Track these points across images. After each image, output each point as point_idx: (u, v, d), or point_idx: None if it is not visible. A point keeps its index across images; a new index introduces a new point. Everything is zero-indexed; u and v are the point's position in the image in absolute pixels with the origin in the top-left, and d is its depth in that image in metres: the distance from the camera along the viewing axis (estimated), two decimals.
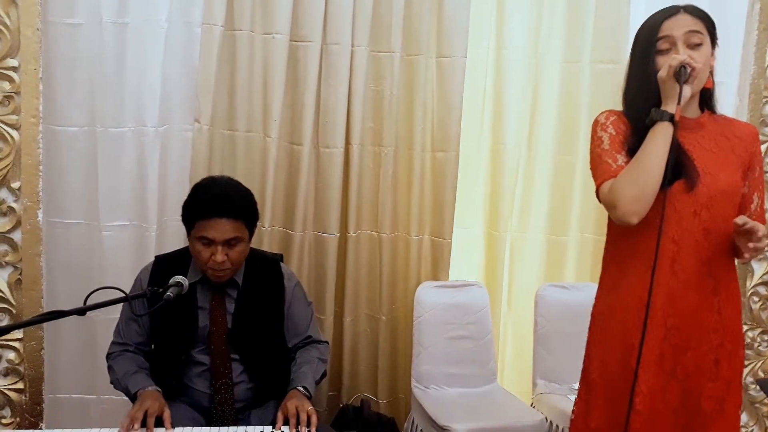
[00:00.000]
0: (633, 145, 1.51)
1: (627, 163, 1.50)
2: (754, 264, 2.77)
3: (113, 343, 1.92)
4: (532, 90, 2.66)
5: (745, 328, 2.77)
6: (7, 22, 2.20)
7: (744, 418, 2.82)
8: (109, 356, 1.90)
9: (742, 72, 2.70)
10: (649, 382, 1.50)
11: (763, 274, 2.79)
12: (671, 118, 1.45)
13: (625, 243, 1.56)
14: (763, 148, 2.67)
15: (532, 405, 2.54)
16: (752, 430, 2.83)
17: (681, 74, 1.43)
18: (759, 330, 2.81)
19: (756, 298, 2.79)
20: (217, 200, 1.76)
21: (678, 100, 1.45)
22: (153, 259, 1.97)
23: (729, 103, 2.71)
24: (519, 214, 2.75)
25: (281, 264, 2.00)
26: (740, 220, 1.42)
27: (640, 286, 1.50)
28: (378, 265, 2.61)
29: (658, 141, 1.45)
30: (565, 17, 2.62)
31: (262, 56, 2.40)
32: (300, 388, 1.78)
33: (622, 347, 1.54)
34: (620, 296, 1.56)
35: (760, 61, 2.66)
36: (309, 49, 2.40)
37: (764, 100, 2.69)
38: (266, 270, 1.94)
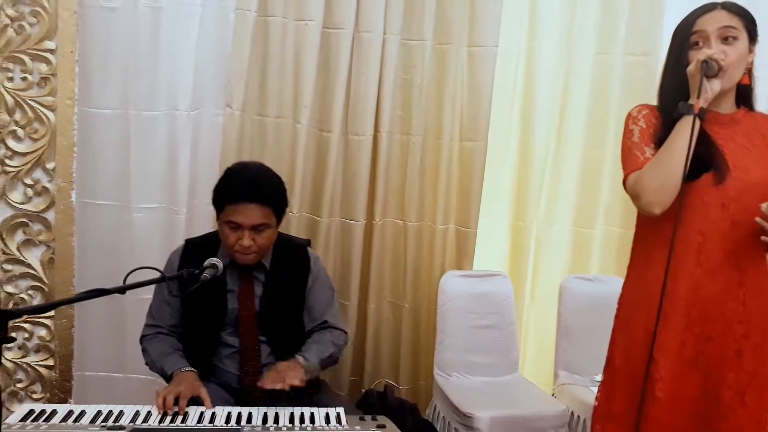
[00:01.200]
0: (662, 137, 1.52)
1: (654, 155, 1.52)
2: None
3: (146, 325, 1.94)
4: (563, 82, 2.65)
5: None
6: (45, 4, 2.23)
7: None
8: (143, 339, 1.93)
9: None
10: (670, 370, 1.52)
11: None
12: (699, 113, 1.45)
13: (652, 233, 1.57)
14: None
15: (553, 395, 2.56)
16: None
17: (705, 68, 1.44)
18: None
19: None
20: (246, 185, 1.78)
21: (698, 94, 1.45)
22: (183, 242, 1.99)
23: (765, 95, 2.67)
24: (545, 206, 2.75)
25: (308, 249, 2.01)
26: (765, 205, 1.43)
27: (663, 275, 1.51)
28: (403, 253, 2.62)
29: (683, 134, 1.46)
30: (599, 8, 2.60)
31: (295, 43, 2.41)
32: (299, 357, 1.78)
33: (644, 335, 1.56)
34: (646, 285, 1.57)
35: None
36: (341, 37, 2.41)
37: None
38: (293, 254, 1.95)
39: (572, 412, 2.38)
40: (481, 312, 2.57)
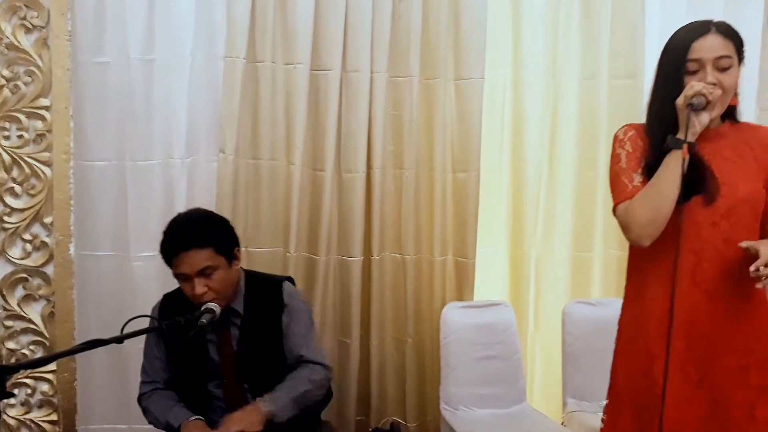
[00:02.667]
0: (650, 163, 1.53)
1: (643, 183, 1.53)
2: None
3: (142, 383, 1.93)
4: (551, 107, 2.68)
5: None
6: (40, 63, 2.29)
7: None
8: (141, 398, 1.92)
9: (760, 85, 2.70)
10: (675, 392, 1.49)
11: None
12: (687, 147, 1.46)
13: (646, 254, 1.57)
14: None
15: (563, 424, 2.52)
16: None
17: (693, 104, 1.43)
18: None
19: None
20: (177, 235, 1.78)
21: (685, 133, 1.45)
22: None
23: (746, 116, 2.68)
24: (543, 232, 2.75)
25: (284, 284, 1.96)
26: (744, 244, 1.44)
27: (661, 296, 1.52)
28: (402, 287, 2.62)
29: (672, 169, 1.47)
30: (580, 34, 2.64)
31: (284, 86, 2.45)
32: (260, 400, 1.75)
33: (645, 357, 1.55)
34: (643, 306, 1.57)
35: None
36: (329, 78, 2.46)
37: None
38: (266, 292, 1.91)
39: None
40: (484, 343, 2.55)
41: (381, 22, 2.46)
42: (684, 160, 1.45)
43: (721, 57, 1.49)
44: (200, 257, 1.74)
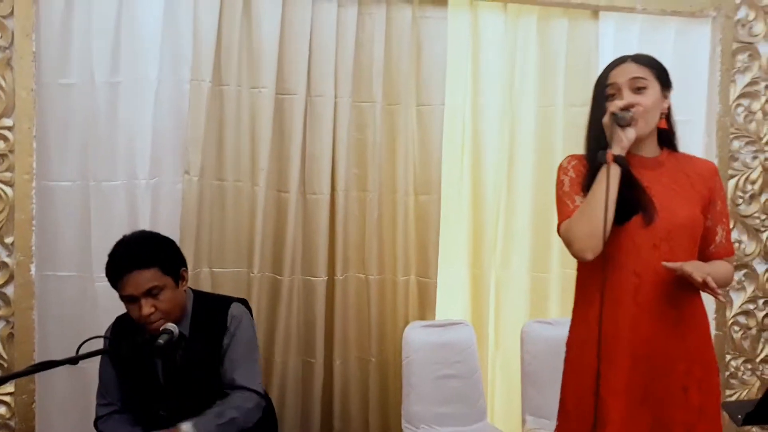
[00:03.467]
0: (590, 185, 1.60)
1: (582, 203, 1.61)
2: (732, 294, 2.85)
3: (98, 405, 1.92)
4: (509, 133, 2.77)
5: (728, 357, 2.84)
6: (3, 84, 2.29)
7: None
8: (98, 421, 1.91)
9: (708, 111, 2.83)
10: (620, 411, 1.55)
11: (742, 304, 2.86)
12: (617, 160, 1.55)
13: (590, 276, 1.64)
14: (732, 182, 2.80)
15: None
16: None
17: (616, 119, 1.54)
18: (742, 359, 2.87)
19: (737, 328, 2.86)
20: (121, 257, 1.78)
21: (612, 143, 1.55)
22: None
23: (698, 140, 2.83)
24: (502, 252, 2.82)
25: (232, 306, 1.93)
26: (669, 265, 1.52)
27: (607, 317, 1.57)
28: (366, 307, 2.66)
29: (604, 181, 1.54)
30: (537, 64, 2.75)
31: (249, 109, 2.50)
32: (182, 425, 1.73)
33: (592, 377, 1.59)
34: (590, 328, 1.62)
35: (725, 100, 2.79)
36: (294, 102, 2.51)
37: (731, 136, 2.81)
38: (213, 314, 1.90)
39: None
40: (445, 362, 2.60)
41: (344, 49, 2.53)
42: (608, 165, 1.52)
43: (634, 78, 1.61)
44: (145, 277, 1.74)
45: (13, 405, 2.38)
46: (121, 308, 2.36)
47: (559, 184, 1.69)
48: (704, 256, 1.68)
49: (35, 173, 2.35)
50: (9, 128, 2.31)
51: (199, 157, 2.45)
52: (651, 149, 1.67)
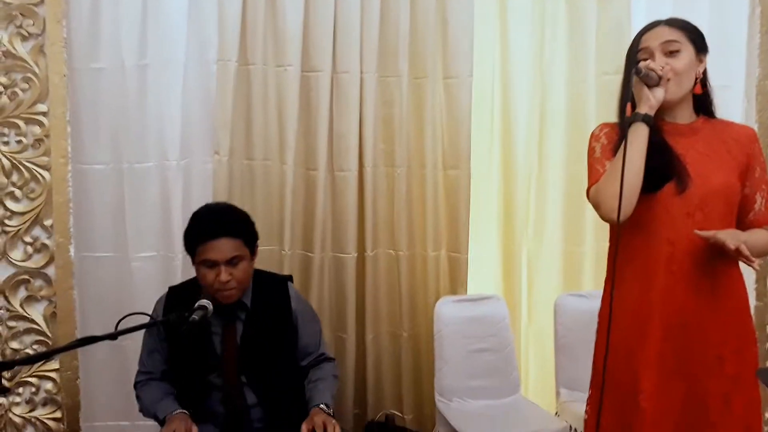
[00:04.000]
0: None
1: None
2: None
3: (139, 372, 2.00)
4: (540, 104, 2.72)
5: None
6: (37, 70, 2.35)
7: None
8: (136, 385, 1.99)
9: (747, 75, 2.72)
10: (652, 381, 1.53)
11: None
12: (643, 119, 1.52)
13: (624, 247, 1.60)
14: None
15: (556, 414, 2.56)
16: None
17: (646, 76, 1.50)
18: None
19: None
20: (212, 222, 1.85)
21: (653, 101, 1.51)
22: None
23: (737, 106, 2.73)
24: (534, 226, 2.79)
25: (289, 284, 2.06)
26: (702, 233, 1.49)
27: (637, 288, 1.55)
28: (397, 283, 2.66)
29: (632, 140, 1.51)
30: (567, 32, 2.68)
31: (276, 88, 2.50)
32: (322, 406, 1.84)
33: (624, 349, 1.59)
34: (622, 298, 1.60)
35: (765, 63, 2.68)
36: (320, 79, 2.51)
37: None
38: (274, 290, 1.99)
39: (575, 429, 2.39)
40: (477, 336, 2.60)
41: (369, 24, 2.51)
42: (634, 123, 1.49)
43: (667, 41, 1.56)
44: (231, 246, 1.82)
45: (58, 381, 2.48)
46: (156, 286, 2.45)
47: (591, 151, 1.67)
48: (743, 224, 1.63)
49: (70, 157, 2.40)
50: (44, 113, 2.37)
51: (228, 137, 2.47)
52: (686, 115, 1.63)
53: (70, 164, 2.41)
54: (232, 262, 1.82)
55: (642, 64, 1.52)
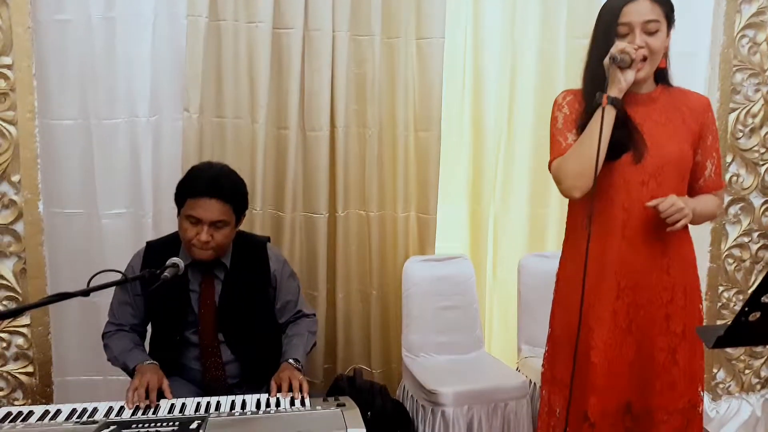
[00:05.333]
0: (584, 123, 1.62)
1: (575, 141, 1.63)
2: (728, 227, 2.89)
3: (108, 323, 2.02)
4: (510, 68, 2.76)
5: (720, 288, 2.91)
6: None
7: (721, 374, 2.96)
8: (104, 335, 2.01)
9: (712, 42, 2.79)
10: (604, 338, 1.63)
11: (737, 237, 2.90)
12: (612, 102, 1.56)
13: (581, 212, 1.68)
14: (733, 115, 2.79)
15: (517, 369, 2.68)
16: (729, 385, 2.97)
17: (622, 61, 1.53)
18: (734, 290, 2.93)
19: (731, 260, 2.91)
20: (208, 181, 1.84)
21: (613, 86, 1.55)
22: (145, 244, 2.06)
23: (701, 72, 2.80)
24: (501, 189, 2.86)
25: (268, 245, 2.08)
26: (649, 204, 1.56)
27: (595, 250, 1.63)
28: (367, 243, 2.72)
29: (599, 123, 1.55)
30: None
31: (247, 45, 2.48)
32: (291, 360, 1.89)
33: (579, 307, 1.67)
34: (579, 260, 1.67)
35: (729, 31, 2.74)
36: (291, 36, 2.49)
37: (734, 68, 2.77)
38: (253, 252, 2.02)
39: (534, 384, 2.50)
40: (444, 294, 2.68)
41: None
42: (603, 108, 1.53)
43: (650, 21, 1.58)
44: (220, 209, 1.83)
45: (30, 336, 2.49)
46: (127, 243, 2.46)
47: (553, 120, 1.71)
48: (693, 190, 1.71)
49: (37, 111, 2.36)
50: (8, 66, 2.31)
51: (198, 95, 2.45)
52: (646, 85, 1.68)
53: (37, 119, 2.36)
54: (216, 224, 1.83)
55: (615, 51, 1.53)
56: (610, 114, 1.56)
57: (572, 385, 1.59)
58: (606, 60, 1.56)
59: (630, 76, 1.56)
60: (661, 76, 1.69)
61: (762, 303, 1.02)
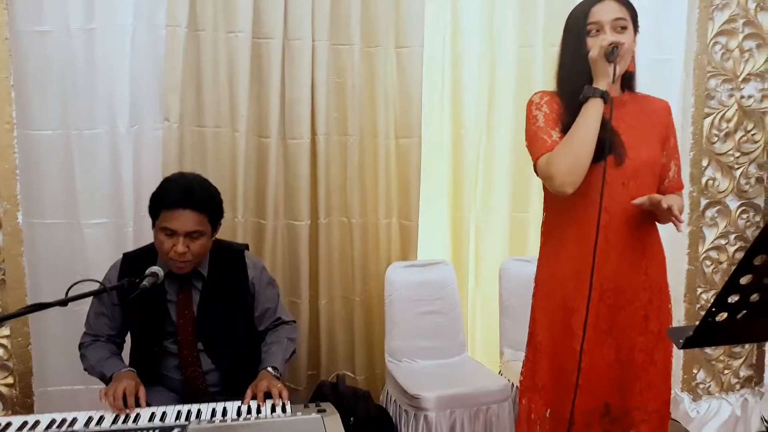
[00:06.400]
0: (566, 121, 1.63)
1: (561, 138, 1.63)
2: (705, 230, 2.93)
3: (85, 334, 2.02)
4: (489, 74, 2.79)
5: (699, 290, 2.95)
6: None
7: (701, 375, 3.00)
8: (81, 345, 2.01)
9: (686, 49, 2.84)
10: (589, 341, 1.63)
11: (714, 239, 2.95)
12: (602, 95, 1.58)
13: (562, 215, 1.70)
14: (708, 120, 2.84)
15: (500, 372, 2.70)
16: (709, 385, 3.00)
17: (612, 53, 1.55)
18: (712, 292, 2.98)
19: (708, 262, 2.96)
20: (181, 192, 1.83)
21: (613, 78, 1.57)
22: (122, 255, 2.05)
23: (676, 78, 2.85)
24: (482, 194, 2.89)
25: (246, 253, 2.07)
26: (638, 201, 1.58)
27: (577, 253, 1.65)
28: (349, 249, 2.73)
29: (590, 116, 1.57)
30: (517, 3, 2.74)
31: (226, 54, 2.50)
32: (269, 369, 1.88)
33: (562, 311, 1.69)
34: (560, 264, 1.70)
35: (703, 38, 2.79)
36: (271, 46, 2.51)
37: (708, 74, 2.82)
38: (230, 260, 2.01)
39: (517, 386, 2.52)
40: (426, 299, 2.70)
41: None
42: (606, 100, 1.55)
43: (618, 18, 1.62)
44: (194, 220, 1.82)
45: (9, 347, 2.47)
46: (109, 253, 2.46)
47: (532, 119, 1.70)
48: (659, 190, 1.74)
49: (15, 122, 2.36)
50: None
51: (178, 104, 2.46)
52: (615, 90, 1.70)
53: (16, 130, 2.36)
54: (192, 235, 1.83)
55: (605, 44, 1.55)
56: (598, 105, 1.57)
57: (577, 388, 1.57)
58: (593, 53, 1.57)
59: (615, 69, 1.57)
60: (627, 81, 1.72)
61: (728, 304, 1.05)
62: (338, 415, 1.68)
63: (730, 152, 2.89)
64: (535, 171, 1.70)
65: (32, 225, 2.45)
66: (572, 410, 1.61)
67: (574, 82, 1.65)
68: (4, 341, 2.46)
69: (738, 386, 3.03)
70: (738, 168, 2.91)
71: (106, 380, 1.88)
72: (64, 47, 2.37)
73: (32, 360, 2.50)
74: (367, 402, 2.37)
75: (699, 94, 2.83)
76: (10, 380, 2.49)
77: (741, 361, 3.03)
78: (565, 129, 1.64)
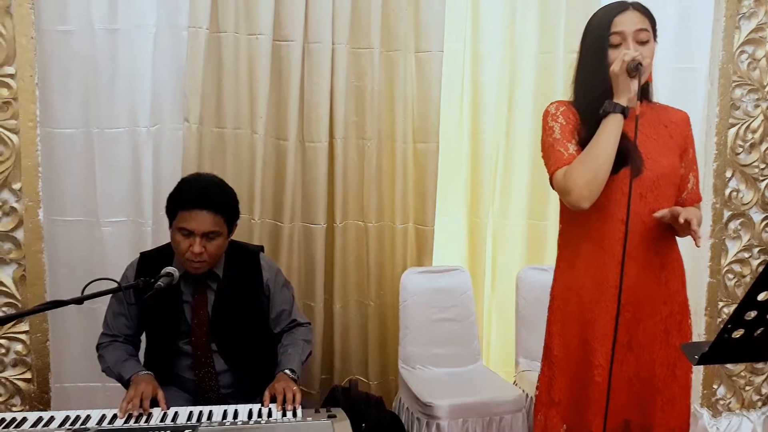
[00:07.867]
0: (583, 134, 1.60)
1: (578, 151, 1.59)
2: (728, 242, 2.87)
3: (102, 334, 2.03)
4: (509, 80, 2.77)
5: (720, 304, 2.89)
6: (3, 31, 2.31)
7: (722, 390, 2.94)
8: (99, 346, 2.02)
9: (712, 58, 2.79)
10: (607, 356, 1.60)
11: (738, 252, 2.89)
12: (623, 111, 1.54)
13: (579, 227, 1.67)
14: (732, 131, 2.79)
15: (514, 382, 2.67)
16: (730, 401, 2.94)
17: (635, 69, 1.51)
18: (734, 305, 2.91)
19: (731, 275, 2.89)
20: (199, 193, 1.85)
21: (638, 96, 1.54)
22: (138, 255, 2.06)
23: (701, 88, 2.80)
24: (499, 201, 2.86)
25: (261, 254, 2.09)
26: (659, 214, 1.55)
27: (594, 265, 1.62)
28: (365, 254, 2.73)
29: (610, 131, 1.54)
30: (538, 9, 2.72)
31: (247, 56, 2.51)
32: (287, 371, 1.89)
33: (579, 323, 1.66)
34: (576, 276, 1.67)
35: (728, 47, 2.74)
36: (291, 48, 2.51)
37: (733, 84, 2.76)
38: (245, 261, 2.02)
39: (531, 398, 2.49)
40: (441, 306, 2.68)
41: None
42: (625, 115, 1.52)
43: (641, 30, 1.59)
44: (211, 220, 1.83)
45: (28, 342, 2.50)
46: (127, 251, 2.48)
47: (548, 131, 1.67)
48: (677, 202, 1.71)
49: (39, 120, 2.39)
50: (11, 76, 2.34)
51: (198, 105, 2.48)
52: (633, 100, 1.67)
53: (39, 128, 2.39)
54: (208, 236, 1.84)
55: (627, 59, 1.51)
56: (618, 121, 1.54)
57: (608, 405, 1.54)
58: (615, 68, 1.54)
59: (635, 85, 1.54)
60: (644, 91, 1.69)
61: (745, 320, 1.02)
62: (348, 421, 1.67)
63: (755, 163, 2.83)
64: (551, 183, 1.67)
65: (53, 222, 2.48)
66: (604, 427, 1.57)
67: (592, 93, 1.62)
68: (23, 337, 2.49)
69: (760, 403, 2.96)
70: (763, 180, 2.84)
71: (125, 382, 1.89)
72: (87, 47, 2.40)
73: (50, 356, 2.53)
74: (380, 408, 2.35)
75: (724, 104, 2.77)
76: (28, 375, 2.52)
77: (763, 377, 2.96)
78: (582, 141, 1.61)
